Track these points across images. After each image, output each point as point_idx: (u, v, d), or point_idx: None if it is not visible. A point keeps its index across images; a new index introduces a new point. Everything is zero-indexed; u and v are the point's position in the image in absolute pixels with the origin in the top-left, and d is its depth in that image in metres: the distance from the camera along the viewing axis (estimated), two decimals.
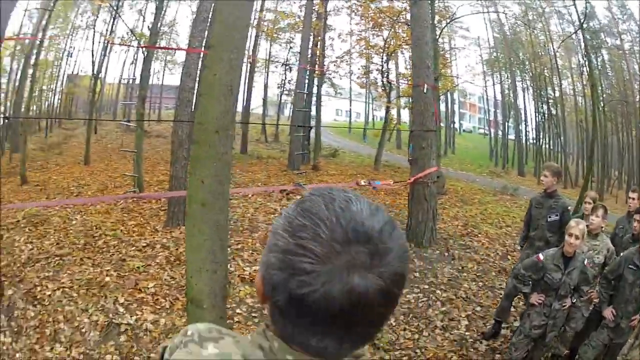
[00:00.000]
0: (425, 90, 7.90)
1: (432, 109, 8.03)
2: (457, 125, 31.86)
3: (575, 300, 4.17)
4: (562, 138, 25.00)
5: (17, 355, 4.95)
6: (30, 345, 5.09)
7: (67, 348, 5.02)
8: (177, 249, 7.32)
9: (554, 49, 23.02)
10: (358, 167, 17.79)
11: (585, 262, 4.15)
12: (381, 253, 0.73)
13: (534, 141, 26.61)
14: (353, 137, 27.73)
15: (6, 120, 17.59)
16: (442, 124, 19.89)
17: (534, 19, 23.47)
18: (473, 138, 32.93)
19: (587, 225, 4.53)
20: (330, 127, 19.30)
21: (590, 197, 5.47)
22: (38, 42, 16.37)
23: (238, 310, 5.75)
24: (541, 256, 4.18)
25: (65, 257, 7.16)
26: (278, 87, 25.02)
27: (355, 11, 20.48)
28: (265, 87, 26.02)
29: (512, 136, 26.72)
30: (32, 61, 16.81)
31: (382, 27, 18.77)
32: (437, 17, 17.15)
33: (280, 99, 24.91)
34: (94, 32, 18.78)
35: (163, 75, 26.51)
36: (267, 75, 26.13)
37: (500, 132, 28.46)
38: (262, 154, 19.80)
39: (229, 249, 7.23)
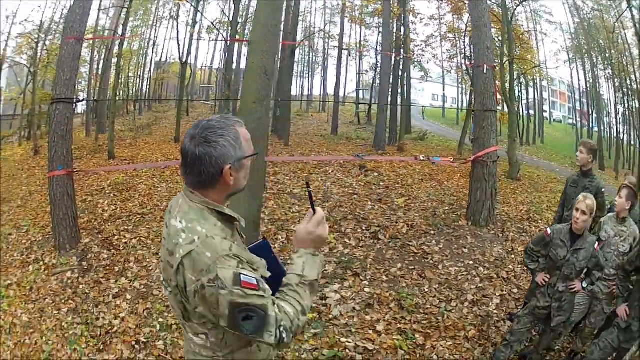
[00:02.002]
0: (485, 71, 7.75)
1: (492, 89, 7.83)
2: (547, 115, 29.68)
3: (585, 285, 3.82)
4: None
5: (81, 286, 5.79)
6: (96, 278, 5.92)
7: (131, 281, 5.80)
8: None
9: (624, 35, 20.73)
10: (443, 150, 17.48)
11: (596, 245, 3.74)
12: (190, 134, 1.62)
13: (617, 134, 24.30)
14: (446, 122, 27.10)
15: (94, 104, 19.06)
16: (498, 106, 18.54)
17: (608, 4, 21.15)
18: (562, 128, 30.61)
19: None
20: (399, 105, 18.99)
21: (630, 182, 5.04)
22: (117, 38, 17.22)
23: (289, 262, 6.16)
24: (549, 230, 3.91)
25: (146, 215, 8.01)
26: (369, 71, 25.06)
27: None
28: (358, 71, 26.19)
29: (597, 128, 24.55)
30: (115, 52, 17.65)
31: (463, 11, 18.14)
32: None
33: (374, 83, 24.89)
34: (177, 22, 19.68)
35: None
36: (360, 59, 26.30)
37: (585, 122, 26.22)
38: (352, 135, 20.08)
39: (297, 214, 7.98)
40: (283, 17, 19.92)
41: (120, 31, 16.83)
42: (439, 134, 23.13)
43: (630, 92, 22.67)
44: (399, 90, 19.84)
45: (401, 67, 19.70)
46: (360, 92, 28.10)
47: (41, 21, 18.37)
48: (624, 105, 23.77)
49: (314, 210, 1.79)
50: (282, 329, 1.55)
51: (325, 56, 29.54)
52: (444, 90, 28.05)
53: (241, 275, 1.50)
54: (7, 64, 19.11)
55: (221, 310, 1.52)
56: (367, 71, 25.81)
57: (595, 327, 4.22)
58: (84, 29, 7.13)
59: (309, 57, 33.58)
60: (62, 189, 6.67)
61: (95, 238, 7.03)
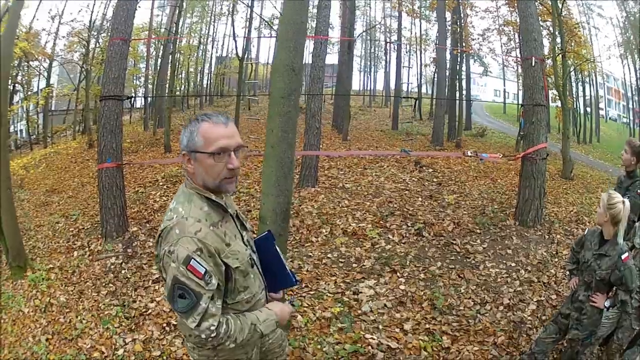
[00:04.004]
0: (533, 64, 7.27)
1: (541, 82, 7.33)
2: (603, 112, 27.64)
3: (608, 304, 3.30)
4: None
5: (123, 271, 6.04)
6: (139, 264, 6.15)
7: None
8: (299, 205, 7.96)
9: None
10: (501, 147, 16.71)
11: (624, 256, 3.15)
12: None
13: None
14: (508, 118, 25.94)
15: (154, 98, 19.47)
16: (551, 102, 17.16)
17: None
18: (617, 127, 28.38)
19: None
20: (452, 100, 18.28)
21: None
22: (173, 33, 17.36)
23: (329, 255, 6.24)
24: (587, 230, 3.55)
25: None
26: (430, 65, 24.43)
27: None
28: (420, 65, 25.60)
29: None
30: (170, 49, 17.83)
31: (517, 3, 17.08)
32: None
33: (435, 77, 24.25)
34: (233, 19, 19.60)
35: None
36: (421, 53, 25.69)
37: (638, 121, 24.09)
38: (412, 131, 19.72)
39: (346, 208, 7.92)
40: (340, 13, 19.94)
41: (174, 29, 17.12)
42: (500, 130, 22.20)
43: None
44: (457, 85, 19.16)
45: (459, 61, 19.02)
46: (424, 86, 27.41)
47: (90, 20, 19.14)
48: None
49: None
50: (208, 324, 1.71)
51: (387, 51, 29.06)
52: (504, 85, 26.84)
53: (192, 260, 1.66)
54: (58, 62, 20.22)
55: (168, 280, 1.70)
56: (427, 65, 25.13)
57: (623, 344, 3.75)
58: (130, 29, 7.36)
59: (371, 52, 33.25)
60: (110, 180, 6.95)
61: (143, 227, 7.28)
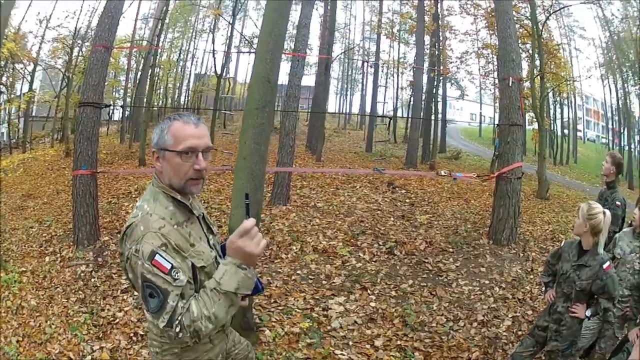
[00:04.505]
0: (510, 84, 7.45)
1: (518, 103, 7.49)
2: (581, 134, 28.56)
3: (589, 314, 3.25)
4: None
5: (92, 280, 6.02)
6: (108, 274, 6.15)
7: None
8: (270, 223, 7.91)
9: None
10: (475, 169, 17.00)
11: (605, 265, 3.13)
12: None
13: None
14: (483, 141, 26.55)
15: (131, 112, 19.64)
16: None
17: (635, 16, 19.96)
18: (595, 147, 29.37)
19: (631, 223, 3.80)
20: (425, 119, 18.66)
21: None
22: (152, 52, 17.75)
23: (299, 272, 6.20)
24: (564, 242, 3.51)
25: None
26: (407, 88, 24.92)
27: (467, 11, 19.64)
28: (396, 88, 26.07)
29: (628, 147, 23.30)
30: (151, 62, 18.19)
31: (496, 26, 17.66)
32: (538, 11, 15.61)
33: (411, 100, 24.73)
34: (214, 37, 20.09)
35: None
36: (398, 77, 26.18)
37: (617, 141, 24.99)
38: (386, 153, 19.92)
39: (317, 227, 7.90)
40: (319, 33, 20.28)
41: (156, 42, 17.38)
42: (474, 153, 22.67)
43: None
44: (433, 108, 19.58)
45: (436, 84, 19.46)
46: (399, 110, 27.91)
47: (76, 27, 19.29)
48: None
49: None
50: (177, 322, 1.60)
51: (365, 73, 29.60)
52: (480, 109, 27.54)
53: (156, 255, 1.60)
54: (41, 67, 20.24)
55: (139, 280, 1.63)
56: (404, 88, 25.64)
57: (606, 353, 3.70)
58: (112, 38, 7.54)
59: (348, 74, 33.83)
60: (84, 188, 7.02)
61: (114, 237, 7.23)
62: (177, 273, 1.62)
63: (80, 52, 19.16)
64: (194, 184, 1.79)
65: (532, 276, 6.39)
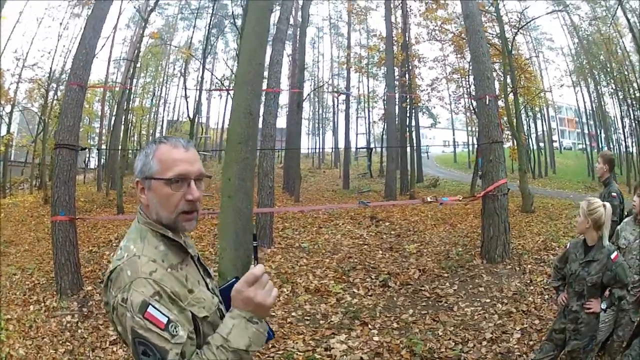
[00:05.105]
0: (487, 102, 7.63)
1: (497, 120, 7.69)
2: (557, 144, 29.44)
3: (605, 306, 3.30)
4: None
5: (79, 331, 5.90)
6: (95, 325, 6.01)
7: None
8: None
9: (622, 42, 20.71)
10: (455, 194, 17.24)
11: (613, 255, 3.18)
12: None
13: (626, 149, 23.87)
14: (458, 167, 27.05)
15: (106, 160, 19.75)
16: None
17: (604, 15, 21.14)
18: (573, 155, 30.25)
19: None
20: (401, 147, 19.03)
21: None
22: (127, 90, 18.14)
23: (293, 314, 6.06)
24: (569, 244, 3.54)
25: None
26: (378, 122, 25.42)
27: (436, 37, 20.34)
28: (368, 122, 26.54)
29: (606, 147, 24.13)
30: (125, 107, 18.55)
31: (465, 49, 18.25)
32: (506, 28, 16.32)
33: (383, 134, 25.22)
34: (185, 79, 20.59)
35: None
36: (369, 110, 26.72)
37: (594, 145, 25.87)
38: (364, 188, 20.18)
39: (305, 267, 7.82)
40: (289, 74, 20.65)
41: (129, 85, 17.64)
42: (452, 179, 23.06)
43: (634, 102, 22.46)
44: (408, 138, 19.95)
45: (408, 114, 19.88)
46: (372, 144, 28.45)
47: (51, 68, 19.59)
48: (630, 116, 23.53)
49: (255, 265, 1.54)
50: None
51: (335, 111, 30.19)
52: (453, 135, 28.19)
53: (149, 306, 1.32)
54: (18, 109, 20.42)
55: (128, 334, 1.34)
56: (375, 122, 26.16)
57: (624, 340, 3.78)
58: (87, 76, 7.59)
59: (319, 114, 34.40)
60: (64, 234, 6.95)
61: (97, 287, 7.11)
62: (175, 328, 1.35)
63: (56, 96, 19.44)
64: (186, 219, 1.53)
65: (532, 287, 6.39)
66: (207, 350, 1.41)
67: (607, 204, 3.30)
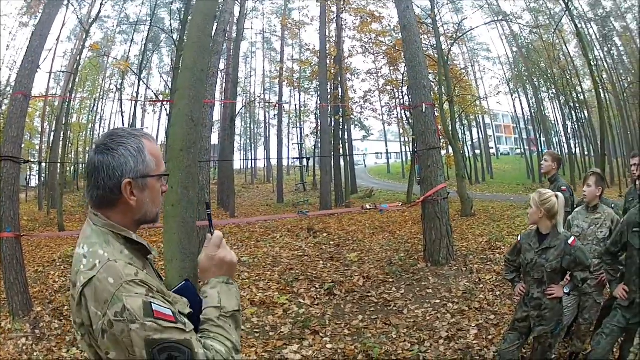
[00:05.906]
0: (424, 110, 7.90)
1: (434, 126, 7.95)
2: (493, 150, 31.09)
3: (568, 290, 3.44)
4: (594, 140, 23.91)
5: (35, 354, 5.61)
6: (49, 347, 5.74)
7: (82, 351, 5.40)
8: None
9: (566, 48, 22.41)
10: (393, 202, 17.74)
11: (570, 240, 3.35)
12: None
13: (569, 150, 25.66)
14: (392, 177, 27.77)
15: (46, 178, 19.33)
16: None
17: (547, 24, 22.58)
18: (511, 160, 32.09)
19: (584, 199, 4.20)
20: (335, 155, 19.52)
21: (594, 171, 4.99)
22: (66, 104, 17.89)
23: (242, 327, 5.82)
24: (520, 236, 3.69)
25: None
26: (310, 136, 25.68)
27: (369, 49, 20.92)
28: (300, 136, 26.74)
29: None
30: (63, 121, 18.51)
31: (399, 61, 18.91)
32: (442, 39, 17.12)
33: (315, 148, 25.49)
34: (121, 93, 20.71)
35: None
36: (301, 124, 26.95)
37: (534, 149, 27.55)
38: (299, 201, 20.33)
39: (247, 280, 7.77)
40: (222, 85, 20.48)
41: (69, 96, 17.65)
42: (387, 189, 23.63)
43: (577, 105, 23.93)
44: (341, 150, 20.33)
45: (341, 126, 20.24)
46: (304, 159, 28.80)
47: None
48: (572, 119, 25.05)
49: (212, 234, 1.53)
50: None
51: (267, 126, 30.19)
52: (386, 146, 28.95)
53: (152, 304, 1.21)
54: None
55: (137, 352, 1.19)
56: (308, 135, 26.41)
57: (592, 322, 4.00)
58: (31, 85, 7.47)
59: (251, 129, 34.31)
60: (11, 252, 6.73)
61: (46, 307, 6.92)
62: (180, 317, 1.28)
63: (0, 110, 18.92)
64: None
65: (482, 285, 6.63)
66: (210, 327, 1.38)
67: (560, 194, 3.49)
